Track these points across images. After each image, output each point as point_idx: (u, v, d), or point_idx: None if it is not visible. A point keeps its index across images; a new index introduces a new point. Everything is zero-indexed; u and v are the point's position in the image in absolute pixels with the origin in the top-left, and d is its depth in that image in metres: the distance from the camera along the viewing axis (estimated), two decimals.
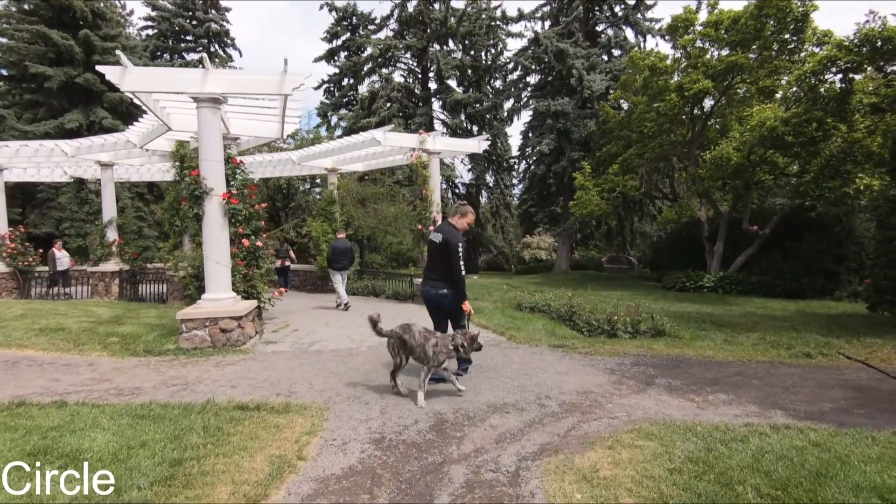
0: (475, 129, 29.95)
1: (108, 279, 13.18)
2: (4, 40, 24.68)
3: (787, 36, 13.94)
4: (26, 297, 12.96)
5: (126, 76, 6.26)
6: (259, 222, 9.51)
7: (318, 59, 32.87)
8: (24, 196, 25.60)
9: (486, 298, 13.01)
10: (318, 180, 23.82)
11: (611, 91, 23.12)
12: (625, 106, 23.96)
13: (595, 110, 23.99)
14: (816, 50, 13.86)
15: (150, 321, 8.42)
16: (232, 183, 7.10)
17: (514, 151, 36.31)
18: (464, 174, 34.37)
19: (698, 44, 15.60)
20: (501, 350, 6.39)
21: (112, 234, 13.45)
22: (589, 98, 24.03)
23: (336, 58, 32.88)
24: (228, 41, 35.22)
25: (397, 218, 24.01)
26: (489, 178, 35.31)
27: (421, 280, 5.04)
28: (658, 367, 5.62)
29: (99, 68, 6.45)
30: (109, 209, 13.45)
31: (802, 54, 13.79)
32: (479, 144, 12.55)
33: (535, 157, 28.93)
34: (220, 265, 6.59)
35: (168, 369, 5.52)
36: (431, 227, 6.02)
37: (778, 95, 15.11)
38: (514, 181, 38.91)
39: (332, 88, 33.11)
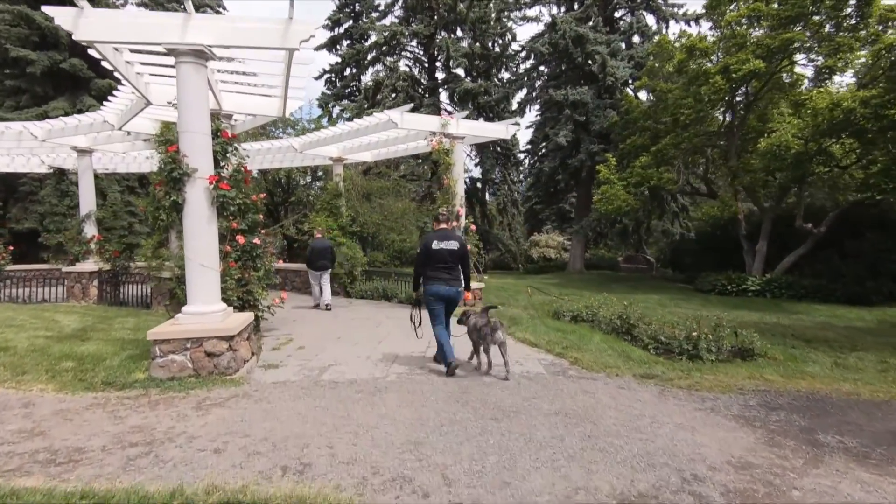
0: (483, 121, 28.40)
1: (85, 280, 11.64)
2: None
3: (848, 11, 12.44)
4: None
5: (81, 22, 4.74)
6: (257, 216, 8.02)
7: (319, 48, 31.22)
8: (7, 189, 24.01)
9: (513, 303, 11.52)
10: (320, 173, 22.27)
11: (634, 79, 21.61)
12: (643, 96, 22.50)
13: (616, 100, 22.48)
14: (879, 28, 12.37)
15: (124, 335, 6.90)
16: (223, 164, 5.56)
17: (522, 146, 35.03)
18: (471, 167, 32.90)
19: (744, 22, 14.08)
20: (575, 383, 4.88)
21: (91, 230, 11.90)
22: (611, 86, 22.51)
23: (338, 46, 31.29)
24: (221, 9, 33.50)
25: (404, 214, 22.49)
26: (496, 174, 33.85)
27: (431, 281, 5.30)
28: (801, 411, 4.13)
29: (45, 9, 4.94)
30: (88, 201, 11.89)
31: (869, 30, 12.29)
32: (507, 130, 11.03)
33: (547, 151, 27.34)
34: (206, 268, 5.07)
35: (131, 413, 4.01)
36: (444, 224, 5.47)
37: (839, 78, 13.62)
38: (521, 177, 37.51)
39: (333, 79, 31.52)
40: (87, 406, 4.18)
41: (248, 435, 3.53)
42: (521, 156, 35.76)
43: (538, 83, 27.42)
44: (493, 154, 32.27)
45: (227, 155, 5.56)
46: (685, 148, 15.84)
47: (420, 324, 5.85)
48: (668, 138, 15.69)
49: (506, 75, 30.72)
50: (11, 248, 13.79)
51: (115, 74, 6.41)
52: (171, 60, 5.22)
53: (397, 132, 11.11)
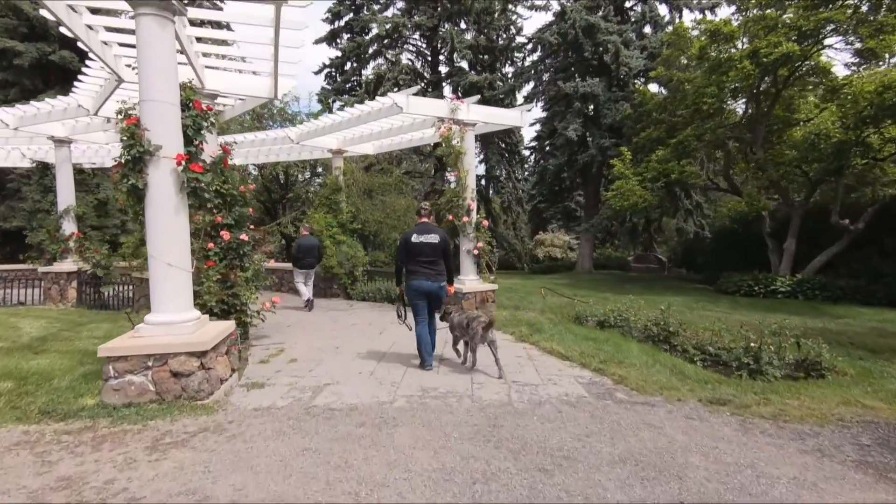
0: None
1: (63, 281, 10.71)
2: None
3: None
4: None
5: None
6: (246, 209, 7.10)
7: (318, 41, 30.30)
8: None
9: (529, 307, 10.56)
10: (319, 169, 21.35)
11: (647, 71, 20.65)
12: (654, 88, 21.53)
13: (628, 92, 21.53)
14: None
15: (89, 345, 5.96)
16: (196, 142, 4.59)
17: (527, 143, 34.08)
18: (475, 164, 31.89)
19: (772, 4, 13.10)
20: (631, 411, 3.92)
21: (70, 227, 10.97)
22: (624, 77, 21.56)
23: (338, 40, 30.33)
24: None
25: (406, 212, 21.53)
26: (500, 171, 32.93)
27: (412, 276, 5.27)
28: None
29: None
30: (66, 196, 10.96)
31: None
32: (521, 116, 10.08)
33: (554, 147, 26.34)
34: (173, 269, 4.13)
35: (64, 457, 3.08)
36: (425, 218, 5.48)
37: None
38: (526, 175, 36.60)
39: (333, 73, 30.59)
40: (10, 445, 3.25)
41: (209, 497, 2.59)
42: (526, 152, 34.85)
43: (545, 76, 26.45)
44: (498, 150, 31.34)
45: (202, 131, 4.59)
46: (708, 140, 14.86)
47: (406, 318, 5.64)
48: (689, 129, 14.73)
49: (510, 70, 29.84)
50: None
51: (80, 45, 5.50)
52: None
53: (402, 120, 10.19)
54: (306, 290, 10.05)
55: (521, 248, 33.60)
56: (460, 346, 5.47)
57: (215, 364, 4.24)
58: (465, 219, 9.06)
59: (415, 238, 5.21)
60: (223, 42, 7.08)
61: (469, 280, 9.05)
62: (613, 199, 16.95)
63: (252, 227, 7.27)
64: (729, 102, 14.95)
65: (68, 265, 10.77)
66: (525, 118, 10.09)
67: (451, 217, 9.19)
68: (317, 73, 30.72)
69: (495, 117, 9.95)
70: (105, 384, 3.91)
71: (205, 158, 6.85)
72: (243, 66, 7.05)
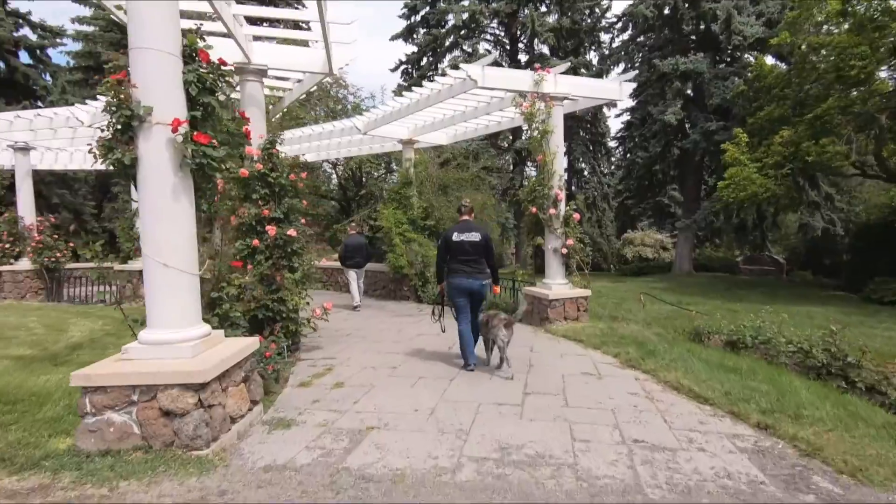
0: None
1: (136, 280, 10.63)
2: None
3: None
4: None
5: None
6: (297, 201, 6.17)
7: (394, 38, 29.81)
8: (102, 189, 25.00)
9: (628, 316, 8.80)
10: (394, 165, 20.65)
11: (766, 39, 17.63)
12: (768, 60, 18.35)
13: (738, 67, 18.60)
14: None
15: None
16: (213, 110, 3.51)
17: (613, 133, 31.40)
18: None
19: None
20: None
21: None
22: (734, 50, 18.66)
23: (415, 35, 29.66)
24: None
25: (483, 208, 20.16)
26: (584, 164, 30.56)
27: (453, 274, 5.15)
28: None
29: None
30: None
31: None
32: (619, 87, 8.33)
33: (648, 135, 23.61)
34: (170, 270, 3.13)
35: None
36: (466, 216, 5.28)
37: None
38: (611, 169, 33.84)
39: (409, 70, 29.98)
40: None
41: None
42: (612, 144, 32.15)
43: (637, 57, 23.87)
44: (582, 142, 29.09)
45: (216, 94, 3.53)
46: (857, 112, 12.01)
47: (441, 316, 5.60)
48: (830, 100, 11.96)
49: (594, 57, 27.46)
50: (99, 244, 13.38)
51: None
52: None
53: (476, 100, 8.86)
54: (356, 294, 9.70)
55: (608, 247, 31.08)
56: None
57: (223, 399, 3.17)
58: (552, 211, 7.55)
59: (455, 236, 5.12)
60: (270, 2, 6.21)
61: (556, 284, 7.52)
62: (726, 191, 14.44)
63: (304, 221, 6.33)
64: (881, 68, 12.00)
65: (140, 264, 10.66)
66: (625, 89, 8.34)
67: (533, 210, 7.73)
68: (393, 70, 30.26)
69: (588, 89, 8.30)
70: (81, 422, 2.97)
71: (252, 142, 6.10)
72: (292, 32, 6.10)
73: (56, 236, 11.62)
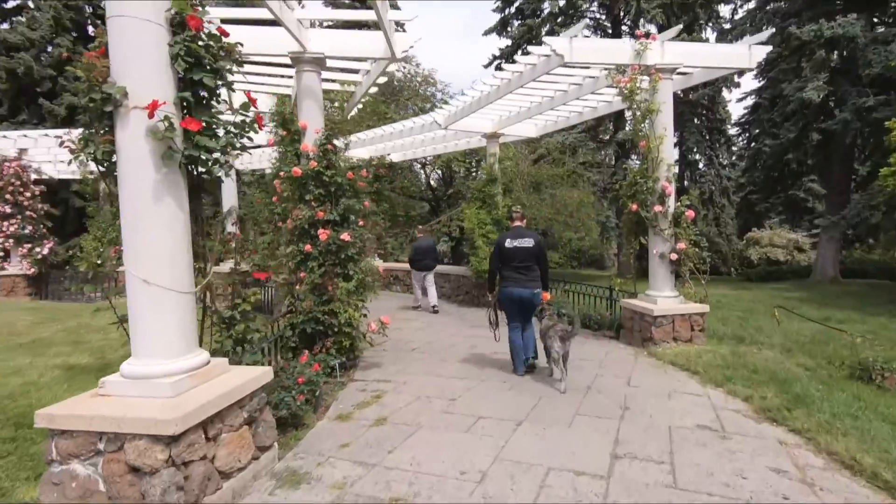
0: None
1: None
2: None
3: None
4: None
5: None
6: (356, 202, 5.58)
7: (487, 32, 28.93)
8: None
9: (758, 337, 7.01)
10: (483, 161, 19.83)
11: None
12: None
13: None
14: None
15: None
16: (212, 91, 2.87)
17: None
18: None
19: None
20: None
21: (232, 228, 11.18)
22: None
23: (509, 28, 28.58)
24: None
25: (580, 207, 18.51)
26: (699, 155, 27.22)
27: (504, 282, 5.09)
28: None
29: None
30: (230, 198, 11.22)
31: None
32: (749, 54, 6.64)
33: (776, 121, 20.15)
34: (152, 287, 2.55)
35: None
36: (518, 222, 5.21)
37: None
38: (733, 159, 29.92)
39: (502, 64, 28.96)
40: None
41: None
42: (734, 132, 28.36)
43: (767, 27, 20.52)
44: (696, 129, 25.92)
45: (218, 71, 2.85)
46: None
47: (497, 325, 5.51)
48: None
49: (713, 35, 24.21)
50: None
51: None
52: None
53: (567, 82, 7.72)
54: (432, 294, 9.56)
55: (728, 248, 27.48)
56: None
57: (210, 450, 2.53)
58: (658, 208, 6.18)
59: (508, 243, 5.10)
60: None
61: (663, 297, 6.14)
62: (890, 179, 11.55)
63: (362, 222, 5.70)
64: None
65: (227, 266, 10.94)
66: (755, 55, 6.66)
67: (633, 207, 6.40)
68: (486, 65, 29.35)
69: (705, 57, 6.75)
70: (46, 471, 2.49)
71: (309, 138, 5.58)
72: (347, 12, 5.47)
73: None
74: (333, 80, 7.36)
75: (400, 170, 18.15)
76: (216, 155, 2.78)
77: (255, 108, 3.02)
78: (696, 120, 24.99)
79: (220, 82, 2.80)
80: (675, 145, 26.37)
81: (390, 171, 15.97)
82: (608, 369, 5.21)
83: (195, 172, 2.80)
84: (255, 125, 3.03)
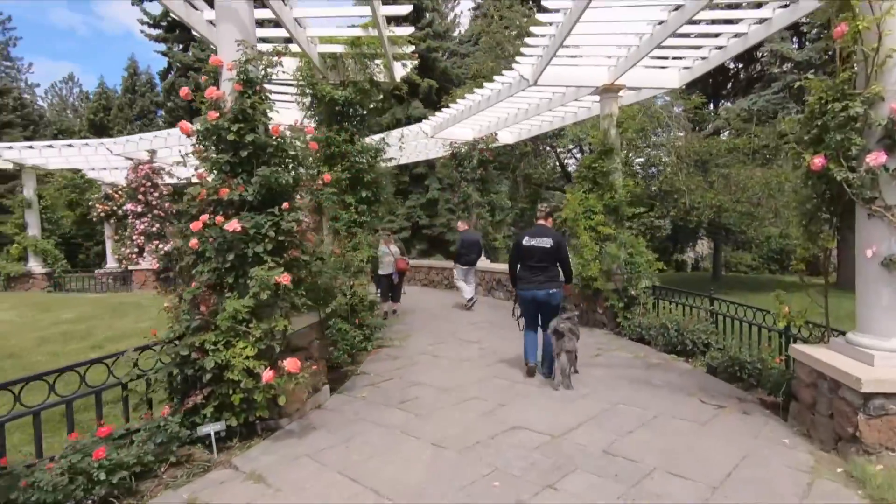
0: None
1: None
2: None
3: None
4: None
5: None
6: (283, 174, 3.66)
7: None
8: None
9: None
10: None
11: None
12: None
13: None
14: None
15: None
16: None
17: None
18: None
19: None
20: None
21: None
22: None
23: None
24: None
25: (767, 188, 13.40)
26: None
27: (521, 282, 4.93)
28: None
29: None
30: None
31: None
32: None
33: None
34: None
35: None
36: (542, 220, 5.08)
37: None
38: None
39: None
40: None
41: None
42: None
43: None
44: None
45: None
46: None
47: (520, 317, 5.17)
48: None
49: None
50: None
51: None
52: None
53: None
54: (468, 289, 9.01)
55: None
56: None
57: None
58: (873, 159, 2.86)
59: (526, 241, 4.90)
60: None
61: (887, 352, 2.81)
62: None
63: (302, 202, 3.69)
64: None
65: None
66: None
67: (816, 161, 3.13)
68: None
69: None
70: None
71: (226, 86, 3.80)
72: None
73: None
74: None
75: (521, 154, 15.53)
76: None
77: None
78: None
79: None
80: None
81: (503, 155, 13.48)
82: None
83: None
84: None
